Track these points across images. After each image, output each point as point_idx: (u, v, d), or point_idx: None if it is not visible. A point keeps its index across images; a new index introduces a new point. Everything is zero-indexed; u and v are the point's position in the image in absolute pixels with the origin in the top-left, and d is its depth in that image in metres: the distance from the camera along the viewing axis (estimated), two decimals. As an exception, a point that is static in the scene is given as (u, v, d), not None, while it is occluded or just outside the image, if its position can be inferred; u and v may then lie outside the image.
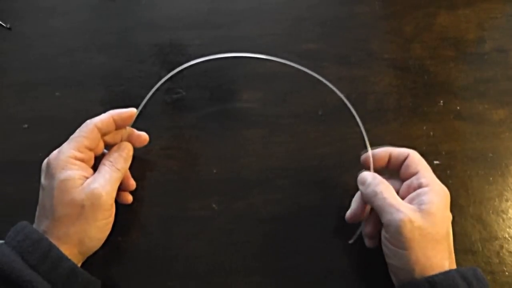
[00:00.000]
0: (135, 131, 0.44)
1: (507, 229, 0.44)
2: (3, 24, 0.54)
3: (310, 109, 0.49)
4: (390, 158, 0.41)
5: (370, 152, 0.41)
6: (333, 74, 0.50)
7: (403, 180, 0.40)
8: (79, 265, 0.37)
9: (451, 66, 0.51)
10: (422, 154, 0.40)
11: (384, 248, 0.37)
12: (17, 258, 0.33)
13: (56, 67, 0.51)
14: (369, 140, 0.42)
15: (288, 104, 0.49)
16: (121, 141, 0.42)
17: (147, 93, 0.45)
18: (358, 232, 0.42)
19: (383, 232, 0.37)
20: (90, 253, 0.38)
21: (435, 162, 0.46)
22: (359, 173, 0.40)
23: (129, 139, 0.43)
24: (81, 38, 0.53)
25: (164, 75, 0.46)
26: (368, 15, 0.54)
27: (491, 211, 0.45)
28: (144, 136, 0.44)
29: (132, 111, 0.42)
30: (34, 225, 0.37)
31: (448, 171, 0.46)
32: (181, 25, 0.54)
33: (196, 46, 0.52)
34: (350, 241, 0.42)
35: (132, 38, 0.53)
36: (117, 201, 0.41)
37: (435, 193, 0.37)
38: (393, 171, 0.41)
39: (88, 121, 0.40)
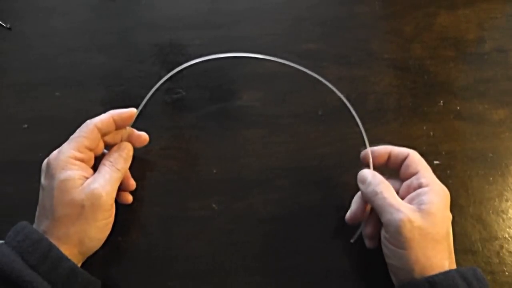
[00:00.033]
0: (135, 131, 0.44)
1: (507, 229, 0.44)
2: (3, 24, 0.54)
3: (310, 109, 0.49)
4: (389, 156, 0.41)
5: (369, 149, 0.41)
6: (333, 74, 0.50)
7: (403, 180, 0.40)
8: (79, 265, 0.37)
9: (451, 66, 0.51)
10: (422, 154, 0.40)
11: (383, 248, 0.37)
12: (17, 258, 0.33)
13: (56, 67, 0.51)
14: (369, 140, 0.42)
15: (288, 104, 0.49)
16: (121, 141, 0.43)
17: (147, 93, 0.45)
18: (359, 231, 0.42)
19: (382, 232, 0.37)
20: (90, 253, 0.38)
21: (435, 162, 0.46)
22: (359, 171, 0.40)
23: (129, 139, 0.43)
24: (81, 38, 0.53)
25: (164, 75, 0.46)
26: (368, 15, 0.54)
27: (491, 211, 0.45)
28: (144, 136, 0.44)
29: (132, 111, 0.42)
30: (34, 225, 0.37)
31: (448, 171, 0.46)
32: (181, 25, 0.54)
33: (196, 46, 0.52)
34: (352, 240, 0.42)
35: (132, 38, 0.53)
36: (117, 201, 0.41)
37: (435, 193, 0.37)
38: (393, 170, 0.41)
39: (88, 121, 0.40)
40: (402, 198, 0.38)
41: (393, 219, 0.35)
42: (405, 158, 0.40)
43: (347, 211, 0.41)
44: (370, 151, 0.41)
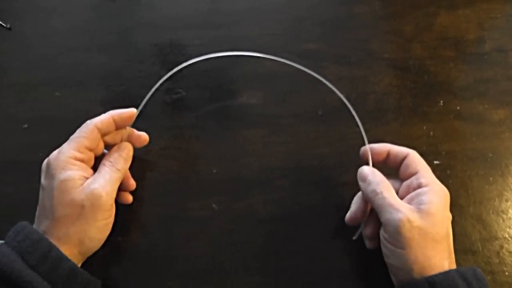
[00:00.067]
0: (135, 131, 0.44)
1: (507, 229, 0.44)
2: (3, 24, 0.54)
3: (310, 109, 0.49)
4: (389, 154, 0.41)
5: (367, 146, 0.41)
6: (333, 74, 0.50)
7: (402, 180, 0.40)
8: (79, 265, 0.37)
9: (451, 66, 0.51)
10: (422, 154, 0.40)
11: (383, 248, 0.37)
12: (17, 259, 0.34)
13: (56, 67, 0.51)
14: (369, 140, 0.42)
15: (288, 104, 0.49)
16: (121, 141, 0.43)
17: (147, 93, 0.45)
18: (361, 228, 0.41)
19: (382, 232, 0.37)
20: (90, 253, 0.38)
21: (435, 162, 0.46)
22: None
23: (129, 139, 0.43)
24: (81, 38, 0.53)
25: (164, 75, 0.46)
26: (368, 15, 0.54)
27: (491, 211, 0.45)
28: (144, 136, 0.44)
29: (132, 111, 0.42)
30: (34, 225, 0.37)
31: (448, 171, 0.46)
32: (181, 25, 0.54)
33: (196, 46, 0.52)
34: (354, 237, 0.42)
35: (132, 38, 0.53)
36: (117, 201, 0.41)
37: (434, 193, 0.37)
38: (392, 169, 0.41)
39: (88, 121, 0.40)
40: (402, 198, 0.38)
41: (392, 219, 0.35)
42: (404, 158, 0.40)
43: (347, 211, 0.41)
44: (370, 148, 0.41)
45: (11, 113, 0.49)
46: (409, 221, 0.35)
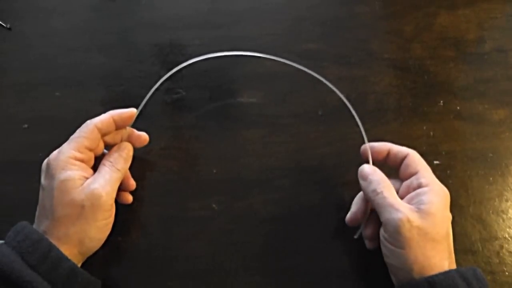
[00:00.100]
0: (135, 131, 0.44)
1: (507, 229, 0.44)
2: (3, 24, 0.54)
3: (310, 109, 0.49)
4: (389, 153, 0.41)
5: (367, 144, 0.41)
6: (333, 74, 0.50)
7: (402, 180, 0.40)
8: (79, 265, 0.37)
9: (451, 66, 0.51)
10: (422, 154, 0.40)
11: (383, 247, 0.37)
12: (17, 259, 0.34)
13: (56, 67, 0.51)
14: (369, 140, 0.42)
15: (288, 104, 0.49)
16: (121, 141, 0.43)
17: (147, 93, 0.45)
18: (362, 227, 0.41)
19: (381, 232, 0.37)
20: (90, 253, 0.38)
21: (435, 162, 0.46)
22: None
23: (129, 139, 0.43)
24: (81, 38, 0.53)
25: (164, 75, 0.46)
26: (368, 15, 0.54)
27: (491, 211, 0.45)
28: (144, 136, 0.44)
29: (132, 111, 0.42)
30: (34, 225, 0.37)
31: (448, 171, 0.46)
32: (181, 25, 0.54)
33: (196, 46, 0.52)
34: (355, 236, 0.42)
35: (132, 38, 0.53)
36: (117, 201, 0.41)
37: (434, 193, 0.37)
38: (392, 168, 0.41)
39: (88, 121, 0.40)
40: (402, 198, 0.38)
41: (392, 219, 0.35)
42: (404, 157, 0.40)
43: (347, 211, 0.41)
44: (370, 147, 0.41)
45: (11, 113, 0.49)
46: (409, 221, 0.35)
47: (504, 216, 0.44)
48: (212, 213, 0.44)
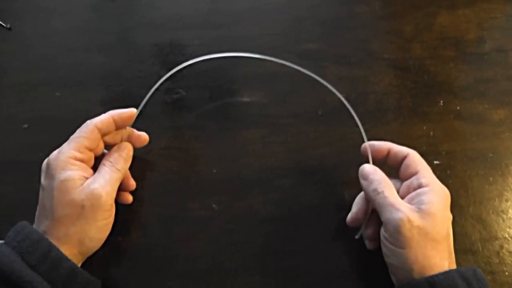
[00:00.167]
0: (135, 131, 0.44)
1: (507, 229, 0.44)
2: (3, 24, 0.54)
3: (310, 109, 0.49)
4: (389, 153, 0.41)
5: (367, 143, 0.41)
6: (333, 74, 0.50)
7: (402, 180, 0.40)
8: (79, 265, 0.37)
9: (451, 66, 0.51)
10: (422, 154, 0.40)
11: (383, 247, 0.37)
12: (17, 259, 0.34)
13: (56, 67, 0.51)
14: (369, 140, 0.42)
15: (288, 104, 0.49)
16: (121, 141, 0.43)
17: (147, 93, 0.45)
18: (363, 228, 0.41)
19: (382, 231, 0.37)
20: (90, 253, 0.38)
21: (435, 162, 0.46)
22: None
23: (129, 139, 0.43)
24: (81, 38, 0.53)
25: (164, 75, 0.46)
26: (368, 15, 0.54)
27: (491, 211, 0.45)
28: (144, 136, 0.44)
29: (132, 111, 0.42)
30: (34, 225, 0.37)
31: (448, 171, 0.46)
32: (181, 25, 0.54)
33: (196, 46, 0.52)
34: (357, 236, 0.42)
35: (132, 38, 0.53)
36: (117, 201, 0.41)
37: (435, 193, 0.37)
38: (392, 168, 0.41)
39: (88, 121, 0.40)
40: (402, 198, 0.38)
41: (393, 218, 0.35)
42: (404, 157, 0.40)
43: (347, 211, 0.41)
44: (370, 145, 0.41)
45: (11, 113, 0.49)
46: (409, 220, 0.35)
47: (504, 216, 0.44)
48: (212, 213, 0.44)
